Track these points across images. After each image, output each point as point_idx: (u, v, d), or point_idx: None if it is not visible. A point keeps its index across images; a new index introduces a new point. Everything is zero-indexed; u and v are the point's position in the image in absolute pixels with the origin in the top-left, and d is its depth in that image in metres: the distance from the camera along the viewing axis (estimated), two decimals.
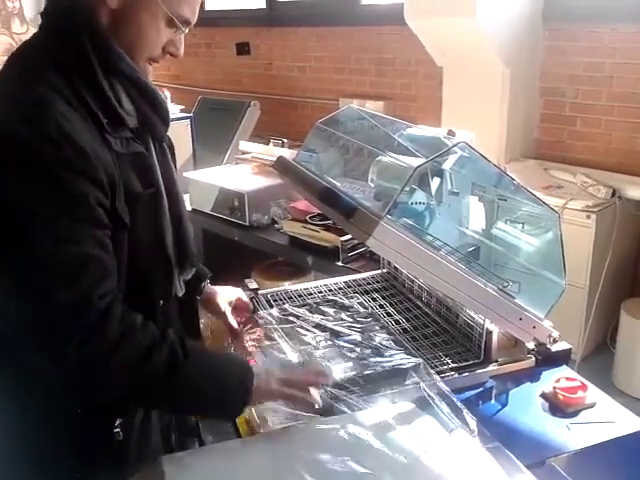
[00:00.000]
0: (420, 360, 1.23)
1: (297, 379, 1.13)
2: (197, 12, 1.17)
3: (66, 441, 1.11)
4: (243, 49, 4.23)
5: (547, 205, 1.33)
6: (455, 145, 1.28)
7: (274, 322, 1.42)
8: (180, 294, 1.26)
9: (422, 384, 1.16)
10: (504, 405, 1.22)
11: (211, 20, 4.69)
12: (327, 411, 1.11)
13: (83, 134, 1.00)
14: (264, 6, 4.26)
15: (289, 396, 1.11)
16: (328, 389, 1.15)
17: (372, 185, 1.45)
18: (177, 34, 1.16)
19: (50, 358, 0.97)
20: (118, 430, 1.13)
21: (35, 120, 0.96)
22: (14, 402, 1.10)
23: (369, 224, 1.13)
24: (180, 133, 3.57)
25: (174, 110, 3.68)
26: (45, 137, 0.95)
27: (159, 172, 1.16)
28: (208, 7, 4.76)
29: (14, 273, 0.96)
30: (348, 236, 2.05)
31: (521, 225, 1.39)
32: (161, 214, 1.15)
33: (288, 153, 1.53)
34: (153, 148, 1.16)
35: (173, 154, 1.26)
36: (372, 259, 1.99)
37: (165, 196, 1.16)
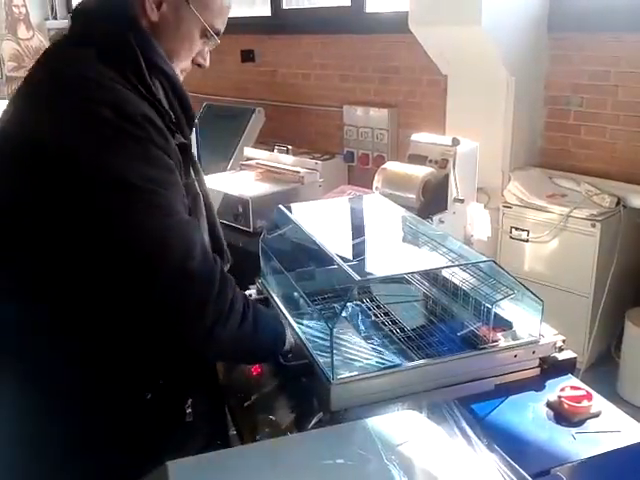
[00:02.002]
0: None
1: None
2: (225, 24, 1.24)
3: (137, 426, 1.13)
4: (248, 56, 4.24)
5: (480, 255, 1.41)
6: None
7: None
8: None
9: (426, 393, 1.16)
10: (509, 414, 1.21)
11: None
12: (333, 419, 1.11)
13: (157, 120, 1.06)
14: (269, 14, 4.28)
15: None
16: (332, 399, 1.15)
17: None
18: (205, 45, 1.23)
19: (187, 327, 1.03)
20: (190, 411, 1.18)
21: (120, 108, 1.01)
22: (82, 389, 1.10)
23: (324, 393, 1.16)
24: None
25: None
26: (132, 122, 1.01)
27: (195, 169, 1.23)
28: None
29: (128, 261, 1.00)
30: None
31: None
32: (198, 208, 1.19)
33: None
34: None
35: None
36: None
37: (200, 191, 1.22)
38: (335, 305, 1.47)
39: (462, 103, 3.08)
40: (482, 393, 1.26)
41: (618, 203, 2.66)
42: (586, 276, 2.63)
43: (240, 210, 2.59)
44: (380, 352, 1.34)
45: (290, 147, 3.13)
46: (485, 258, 1.38)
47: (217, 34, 1.22)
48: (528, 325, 1.32)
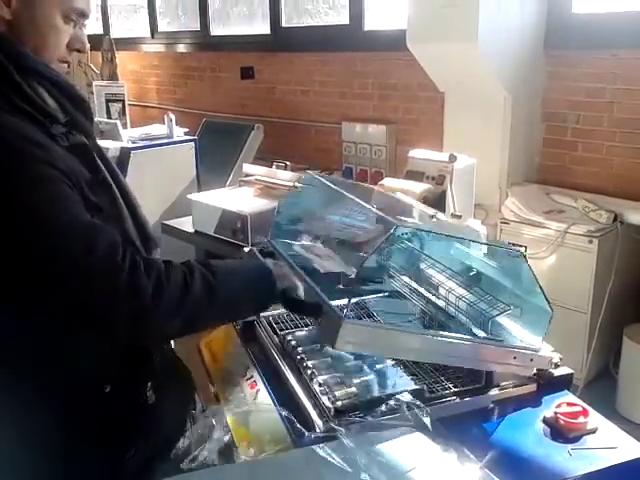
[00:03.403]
0: (423, 386, 1.25)
1: None
2: (90, 2, 1.17)
3: (98, 419, 1.12)
4: (247, 73, 4.27)
5: (510, 245, 1.35)
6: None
7: (273, 347, 1.43)
8: None
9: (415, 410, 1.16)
10: (505, 430, 1.21)
11: (216, 45, 4.76)
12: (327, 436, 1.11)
13: (36, 134, 1.03)
14: (268, 32, 4.32)
15: None
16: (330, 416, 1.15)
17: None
18: (77, 29, 1.16)
19: (102, 328, 1.03)
20: (150, 393, 1.17)
21: None
22: (39, 386, 1.10)
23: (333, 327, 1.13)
24: (184, 155, 3.59)
25: (178, 133, 3.70)
26: (6, 147, 0.98)
27: (103, 160, 1.19)
28: (213, 32, 4.82)
29: (34, 272, 0.99)
30: None
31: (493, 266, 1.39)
32: (115, 199, 1.17)
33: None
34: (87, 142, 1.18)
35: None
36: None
37: (114, 184, 1.19)
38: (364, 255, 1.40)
39: (459, 120, 3.10)
40: (479, 409, 1.26)
41: (615, 219, 2.67)
42: (584, 292, 2.63)
43: (239, 226, 2.60)
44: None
45: (289, 163, 3.14)
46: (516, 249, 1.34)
47: (83, 15, 1.15)
48: (529, 336, 1.31)
